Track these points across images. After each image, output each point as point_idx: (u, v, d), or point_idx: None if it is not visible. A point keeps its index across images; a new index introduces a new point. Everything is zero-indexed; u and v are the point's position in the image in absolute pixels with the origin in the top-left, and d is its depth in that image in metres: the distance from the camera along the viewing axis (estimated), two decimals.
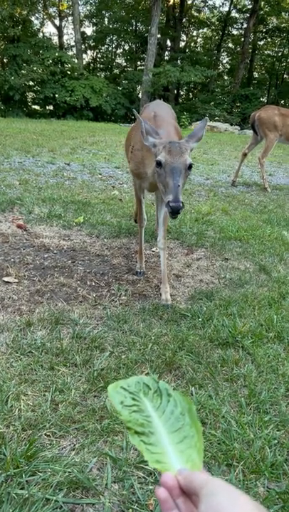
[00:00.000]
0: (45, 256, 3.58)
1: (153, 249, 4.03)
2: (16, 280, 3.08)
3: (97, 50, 35.47)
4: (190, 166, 2.30)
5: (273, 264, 3.78)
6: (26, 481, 1.49)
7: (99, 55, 35.97)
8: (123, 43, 35.40)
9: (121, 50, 36.33)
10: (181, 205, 2.16)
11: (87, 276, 3.27)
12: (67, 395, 1.93)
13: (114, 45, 35.62)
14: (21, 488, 1.46)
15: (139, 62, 34.42)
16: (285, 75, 35.82)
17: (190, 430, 0.80)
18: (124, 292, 3.05)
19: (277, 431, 1.83)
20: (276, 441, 1.77)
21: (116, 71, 34.64)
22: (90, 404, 1.88)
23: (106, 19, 33.64)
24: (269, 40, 35.60)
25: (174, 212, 2.17)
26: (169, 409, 0.83)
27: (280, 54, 35.32)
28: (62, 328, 2.50)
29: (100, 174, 7.65)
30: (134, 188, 3.32)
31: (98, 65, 35.75)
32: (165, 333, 2.55)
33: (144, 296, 3.05)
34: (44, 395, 1.92)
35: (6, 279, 3.08)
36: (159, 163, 2.30)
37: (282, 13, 33.03)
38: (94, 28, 34.60)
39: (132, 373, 2.12)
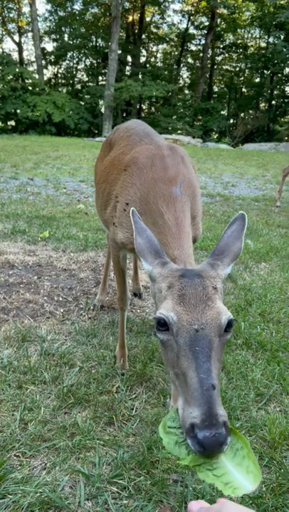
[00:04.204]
0: (10, 273, 3.52)
1: None
2: None
3: (58, 66, 35.61)
4: (229, 325, 1.14)
5: (239, 272, 3.85)
6: None
7: (60, 71, 36.11)
8: (84, 58, 35.74)
9: (82, 65, 36.66)
10: (224, 432, 0.91)
11: (54, 291, 3.23)
12: (37, 413, 1.88)
13: (75, 61, 35.90)
14: None
15: (100, 77, 34.77)
16: (243, 89, 37.02)
17: (237, 443, 0.90)
18: (93, 306, 3.03)
19: (249, 436, 1.85)
20: None
21: (78, 86, 34.81)
22: (61, 422, 1.84)
23: (66, 35, 33.90)
24: (227, 55, 36.82)
25: (208, 451, 0.90)
26: None
27: (237, 69, 36.57)
28: (29, 345, 2.46)
29: (65, 188, 7.62)
30: (114, 260, 2.24)
31: (60, 81, 35.89)
32: (135, 345, 2.54)
33: (113, 309, 3.04)
34: (12, 415, 1.87)
35: None
36: (162, 323, 1.15)
37: (238, 30, 34.31)
38: (54, 44, 34.78)
39: (103, 388, 2.10)
